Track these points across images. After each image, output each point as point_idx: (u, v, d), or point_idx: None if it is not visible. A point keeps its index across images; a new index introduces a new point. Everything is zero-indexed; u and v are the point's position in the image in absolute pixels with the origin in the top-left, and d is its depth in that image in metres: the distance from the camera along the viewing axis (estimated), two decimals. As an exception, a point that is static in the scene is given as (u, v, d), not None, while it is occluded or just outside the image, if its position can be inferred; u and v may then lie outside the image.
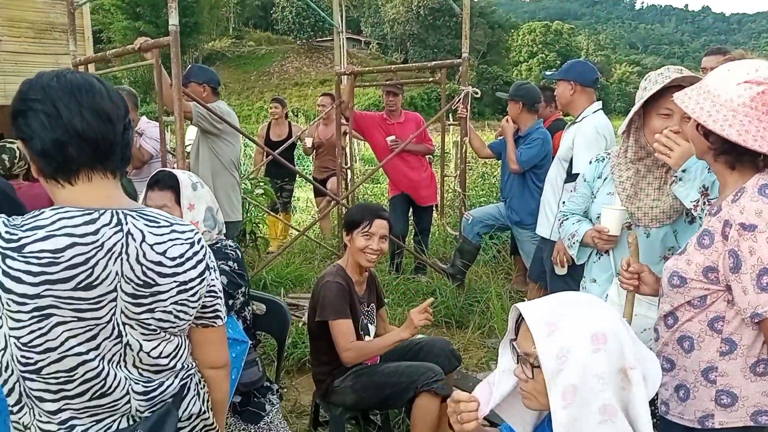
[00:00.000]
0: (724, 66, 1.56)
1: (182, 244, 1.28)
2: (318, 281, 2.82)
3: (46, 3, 6.11)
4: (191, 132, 4.47)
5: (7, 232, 1.12)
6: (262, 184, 5.89)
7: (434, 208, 5.60)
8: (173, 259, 1.26)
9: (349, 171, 6.20)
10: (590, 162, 2.41)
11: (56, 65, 6.02)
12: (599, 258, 2.26)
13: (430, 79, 5.72)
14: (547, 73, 3.57)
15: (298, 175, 7.17)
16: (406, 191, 5.23)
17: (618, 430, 1.25)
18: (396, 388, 2.62)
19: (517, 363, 1.37)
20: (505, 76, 53.41)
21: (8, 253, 1.10)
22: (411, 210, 5.43)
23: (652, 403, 1.84)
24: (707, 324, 1.61)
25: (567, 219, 2.43)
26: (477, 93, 4.64)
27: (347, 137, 5.88)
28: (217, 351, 1.43)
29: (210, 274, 1.35)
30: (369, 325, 2.88)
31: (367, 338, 2.81)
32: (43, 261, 1.10)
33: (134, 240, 1.20)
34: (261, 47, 59.35)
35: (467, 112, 4.60)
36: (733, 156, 1.53)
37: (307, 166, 10.51)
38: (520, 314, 1.35)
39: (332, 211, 6.09)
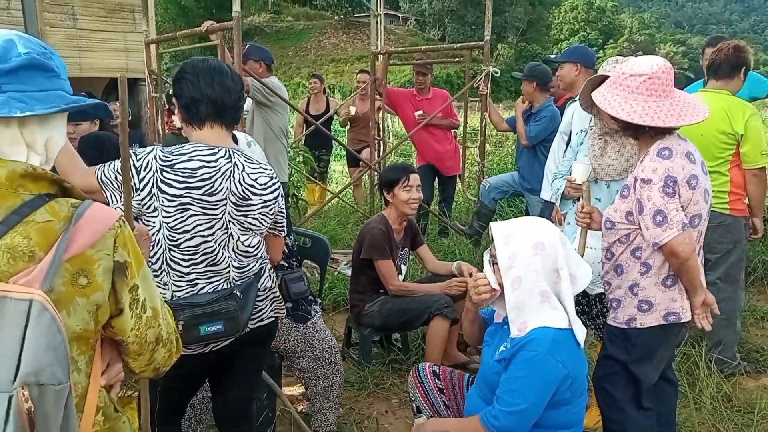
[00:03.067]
0: (621, 64, 2.16)
1: (266, 176, 1.92)
2: (365, 226, 3.48)
3: (115, -15, 6.82)
4: (246, 103, 5.13)
5: (164, 155, 1.78)
6: (302, 152, 6.55)
7: (458, 178, 6.17)
8: (261, 185, 1.89)
9: (381, 142, 6.80)
10: (576, 133, 3.01)
11: (124, 42, 6.76)
12: (573, 206, 2.84)
13: (456, 59, 6.19)
14: (552, 56, 4.08)
15: (334, 147, 7.79)
16: (432, 162, 5.79)
17: (552, 307, 1.87)
18: (414, 312, 3.26)
19: (489, 264, 1.99)
20: (544, 54, 52.46)
21: (165, 168, 1.76)
22: (437, 179, 6.01)
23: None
24: (630, 253, 2.19)
25: (556, 178, 3.03)
26: (497, 72, 5.17)
27: (381, 112, 6.46)
28: (279, 251, 2.10)
29: (281, 199, 1.99)
30: (402, 266, 3.52)
31: (399, 277, 3.46)
32: (185, 174, 1.76)
33: (238, 169, 1.85)
34: (299, 22, 59.70)
35: (487, 89, 5.14)
36: (632, 130, 2.13)
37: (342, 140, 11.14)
38: None
39: (365, 181, 6.71)
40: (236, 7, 3.98)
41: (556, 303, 1.88)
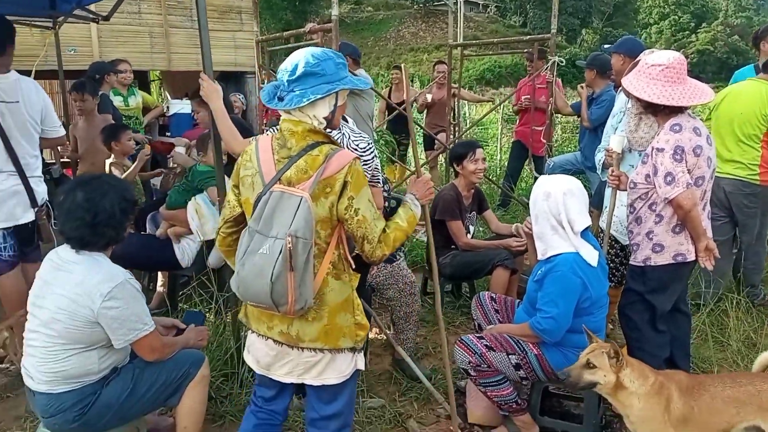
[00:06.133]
0: (646, 56, 2.71)
1: (365, 143, 2.67)
2: (438, 193, 4.18)
3: (225, -11, 7.81)
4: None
5: None
6: (385, 135, 7.31)
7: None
8: (361, 149, 2.65)
9: (455, 126, 7.45)
10: (614, 115, 3.59)
11: (233, 39, 7.74)
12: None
13: (525, 50, 6.67)
14: (605, 46, 4.58)
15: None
16: (523, 140, 6.46)
17: (561, 238, 2.54)
18: (480, 264, 3.94)
19: None
20: (631, 40, 50.70)
21: None
22: (530, 156, 6.59)
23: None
24: (648, 207, 2.77)
25: (599, 152, 3.62)
26: (562, 62, 5.71)
27: (456, 98, 7.10)
28: (378, 199, 2.83)
29: (375, 159, 2.73)
30: (470, 226, 4.21)
31: (468, 235, 4.14)
32: None
33: (345, 137, 2.61)
34: (379, 12, 60.32)
35: (554, 77, 5.68)
36: (652, 108, 2.69)
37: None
38: None
39: (441, 163, 7.37)
40: (335, 11, 4.75)
41: (564, 234, 2.54)
